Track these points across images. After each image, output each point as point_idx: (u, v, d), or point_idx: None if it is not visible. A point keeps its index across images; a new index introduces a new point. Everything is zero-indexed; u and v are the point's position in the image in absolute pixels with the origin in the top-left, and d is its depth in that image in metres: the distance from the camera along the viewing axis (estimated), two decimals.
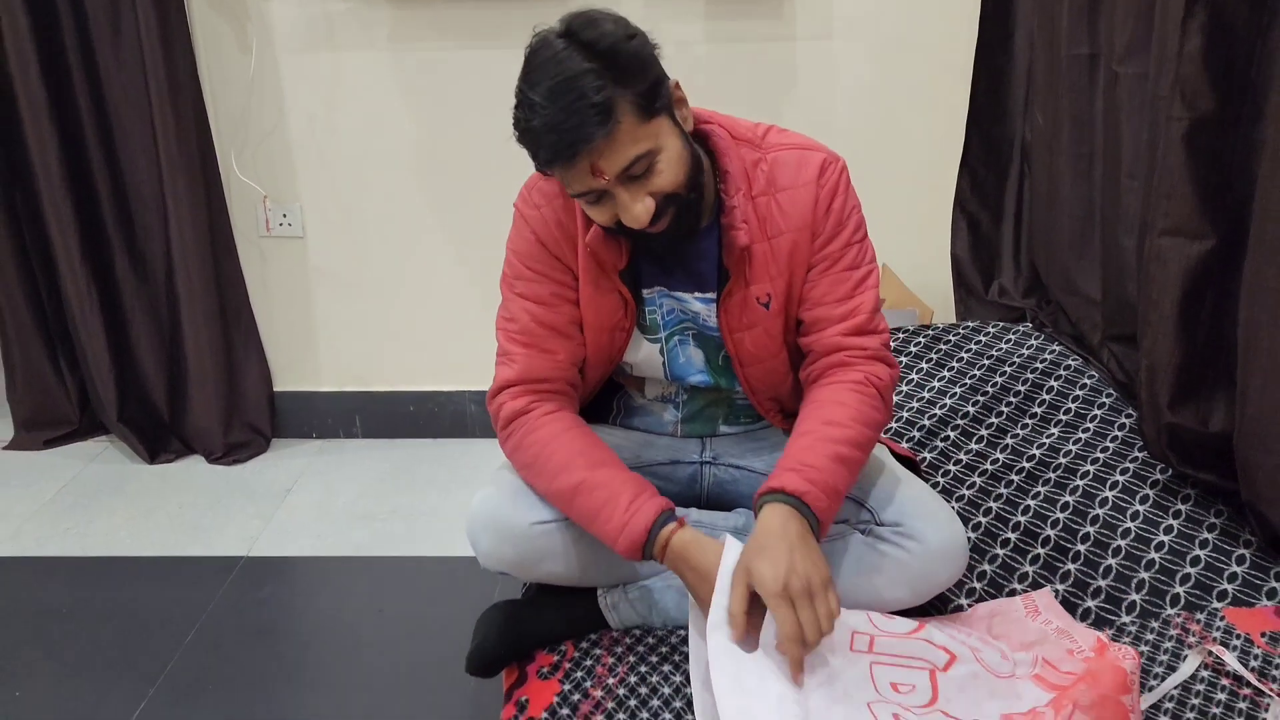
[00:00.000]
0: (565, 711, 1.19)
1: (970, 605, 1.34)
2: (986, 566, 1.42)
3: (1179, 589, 1.35)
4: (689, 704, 1.17)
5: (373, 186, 2.53)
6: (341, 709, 1.82)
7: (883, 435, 1.48)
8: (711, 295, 1.30)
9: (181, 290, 2.53)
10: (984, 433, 1.74)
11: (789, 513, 1.12)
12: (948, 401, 1.84)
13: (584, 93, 1.07)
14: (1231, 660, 1.19)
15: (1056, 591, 1.36)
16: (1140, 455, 1.62)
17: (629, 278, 1.28)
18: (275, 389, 2.74)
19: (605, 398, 1.47)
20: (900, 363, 1.99)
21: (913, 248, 2.42)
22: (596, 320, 1.29)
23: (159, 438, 2.69)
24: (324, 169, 2.52)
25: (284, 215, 2.56)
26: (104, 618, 2.07)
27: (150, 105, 2.36)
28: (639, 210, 1.13)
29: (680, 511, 1.27)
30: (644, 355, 1.35)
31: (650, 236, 1.19)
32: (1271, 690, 1.15)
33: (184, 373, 2.64)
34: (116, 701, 1.84)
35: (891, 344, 1.54)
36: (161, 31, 2.29)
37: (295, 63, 2.43)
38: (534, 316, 1.29)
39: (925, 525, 1.22)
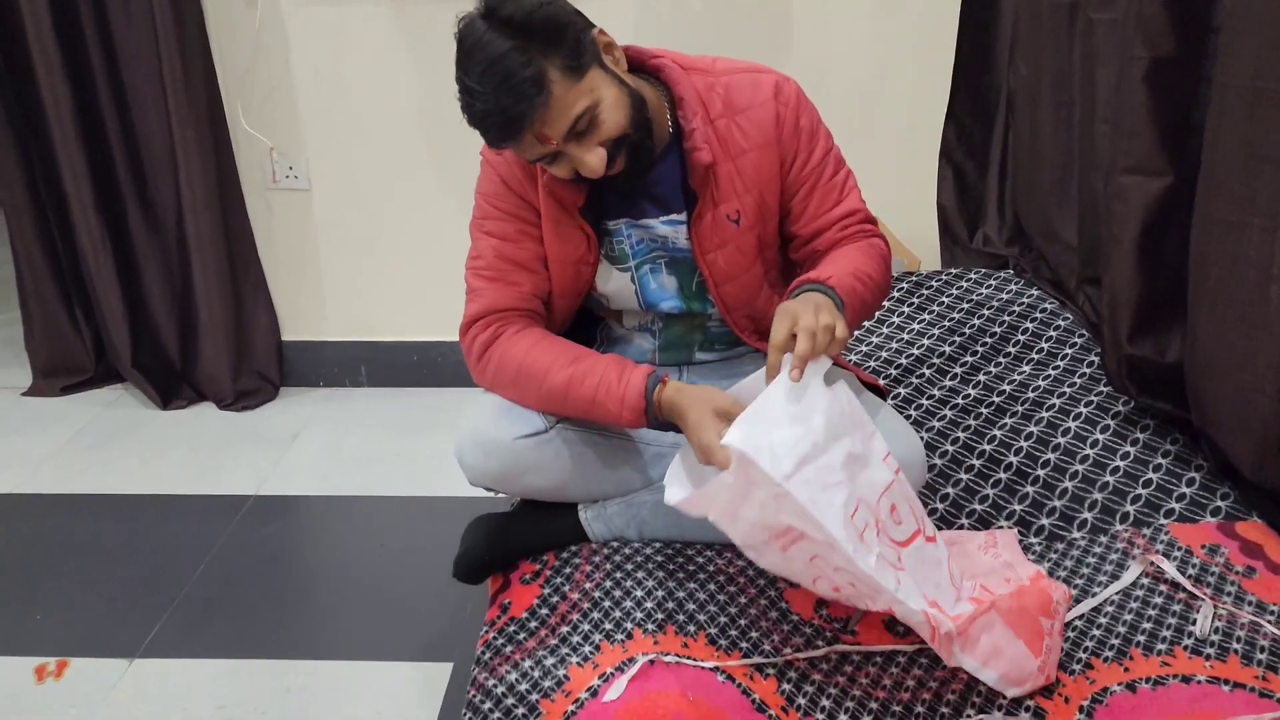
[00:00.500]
0: (544, 612, 1.27)
1: (943, 509, 1.41)
2: (950, 490, 1.50)
3: (1129, 508, 1.42)
4: (659, 605, 1.25)
5: (378, 140, 2.59)
6: (343, 634, 1.91)
7: (852, 364, 1.55)
8: (676, 217, 1.36)
9: (192, 241, 2.61)
10: (958, 370, 1.81)
11: (812, 291, 1.21)
12: (926, 342, 1.91)
13: (512, 70, 1.13)
14: (1169, 568, 1.26)
15: (1013, 513, 1.44)
16: (1105, 390, 1.68)
17: (590, 213, 1.34)
18: (283, 338, 2.82)
19: (589, 330, 1.54)
20: (883, 306, 2.06)
21: (900, 198, 2.47)
22: (560, 255, 1.36)
23: (171, 385, 2.78)
24: (329, 122, 2.58)
25: (290, 168, 2.63)
26: (119, 550, 2.17)
27: (160, 59, 2.42)
28: (593, 160, 1.20)
29: (658, 434, 1.34)
30: (615, 286, 1.42)
31: (613, 177, 1.25)
32: (1204, 594, 1.22)
33: (195, 322, 2.72)
34: (131, 625, 1.93)
35: None
36: None
37: (301, 16, 2.48)
38: (498, 252, 1.36)
39: (885, 441, 1.29)
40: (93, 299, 2.72)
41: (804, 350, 1.10)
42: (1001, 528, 1.41)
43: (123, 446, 2.57)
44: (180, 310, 2.73)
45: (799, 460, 1.06)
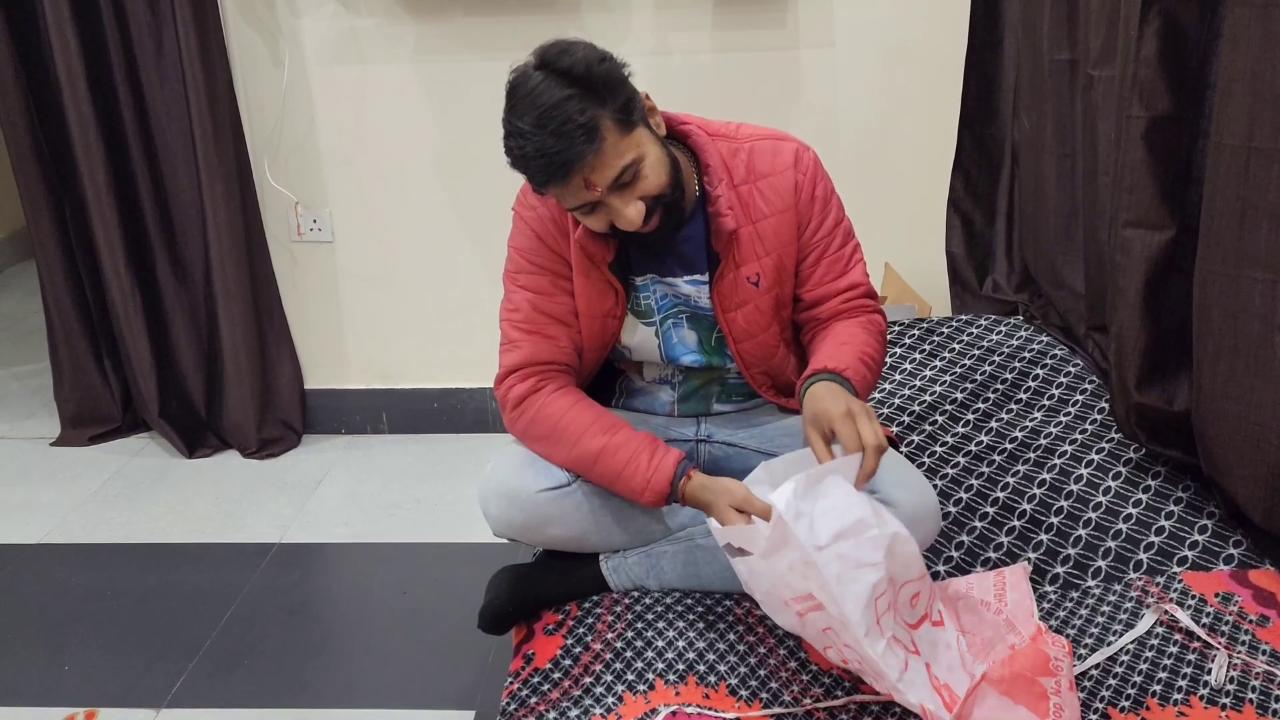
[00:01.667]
0: (568, 662, 1.30)
1: (947, 574, 1.44)
2: (965, 538, 1.52)
3: (1142, 555, 1.44)
4: (680, 655, 1.28)
5: (399, 193, 2.66)
6: (366, 682, 1.94)
7: None
8: (700, 277, 1.42)
9: (219, 292, 2.67)
10: (970, 417, 1.84)
11: (830, 381, 1.27)
12: (937, 389, 1.94)
13: (569, 116, 1.18)
14: (1183, 616, 1.28)
15: (1029, 560, 1.46)
16: (1116, 437, 1.71)
17: (619, 268, 1.40)
18: (306, 386, 2.87)
19: (608, 382, 1.58)
20: (895, 353, 2.10)
21: (910, 245, 2.52)
22: (589, 309, 1.41)
23: (197, 433, 2.82)
24: (352, 176, 2.65)
25: (314, 220, 2.69)
26: (146, 599, 2.20)
27: (190, 117, 2.50)
28: (632, 214, 1.25)
29: None
30: (640, 339, 1.47)
31: (643, 235, 1.31)
32: (1218, 642, 1.24)
33: (220, 371, 2.77)
34: (157, 675, 1.97)
35: (888, 334, 1.69)
36: (200, 48, 2.42)
37: (325, 75, 2.56)
38: (535, 305, 1.41)
39: (898, 491, 1.32)
40: (121, 350, 2.78)
41: (870, 469, 1.18)
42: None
43: (149, 495, 2.62)
44: (206, 360, 2.79)
45: (836, 534, 1.09)
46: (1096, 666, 1.23)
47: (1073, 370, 1.94)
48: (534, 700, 1.24)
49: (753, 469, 1.49)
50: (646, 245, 1.40)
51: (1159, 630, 1.28)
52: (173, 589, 2.23)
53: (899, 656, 1.10)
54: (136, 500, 2.60)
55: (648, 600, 1.39)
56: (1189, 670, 1.21)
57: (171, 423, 2.79)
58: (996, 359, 2.02)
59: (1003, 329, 2.14)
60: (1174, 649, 1.25)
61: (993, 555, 1.48)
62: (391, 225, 2.69)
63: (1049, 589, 1.40)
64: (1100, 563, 1.44)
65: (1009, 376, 1.95)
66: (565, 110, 1.18)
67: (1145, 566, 1.42)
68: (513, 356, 1.41)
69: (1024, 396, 1.89)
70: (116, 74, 2.50)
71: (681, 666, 1.26)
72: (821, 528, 1.09)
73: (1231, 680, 1.19)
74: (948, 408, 1.88)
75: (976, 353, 2.05)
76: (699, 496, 1.29)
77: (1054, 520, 1.54)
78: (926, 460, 1.73)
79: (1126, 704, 1.17)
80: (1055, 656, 1.13)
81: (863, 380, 1.32)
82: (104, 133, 2.53)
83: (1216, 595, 1.33)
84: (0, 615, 2.16)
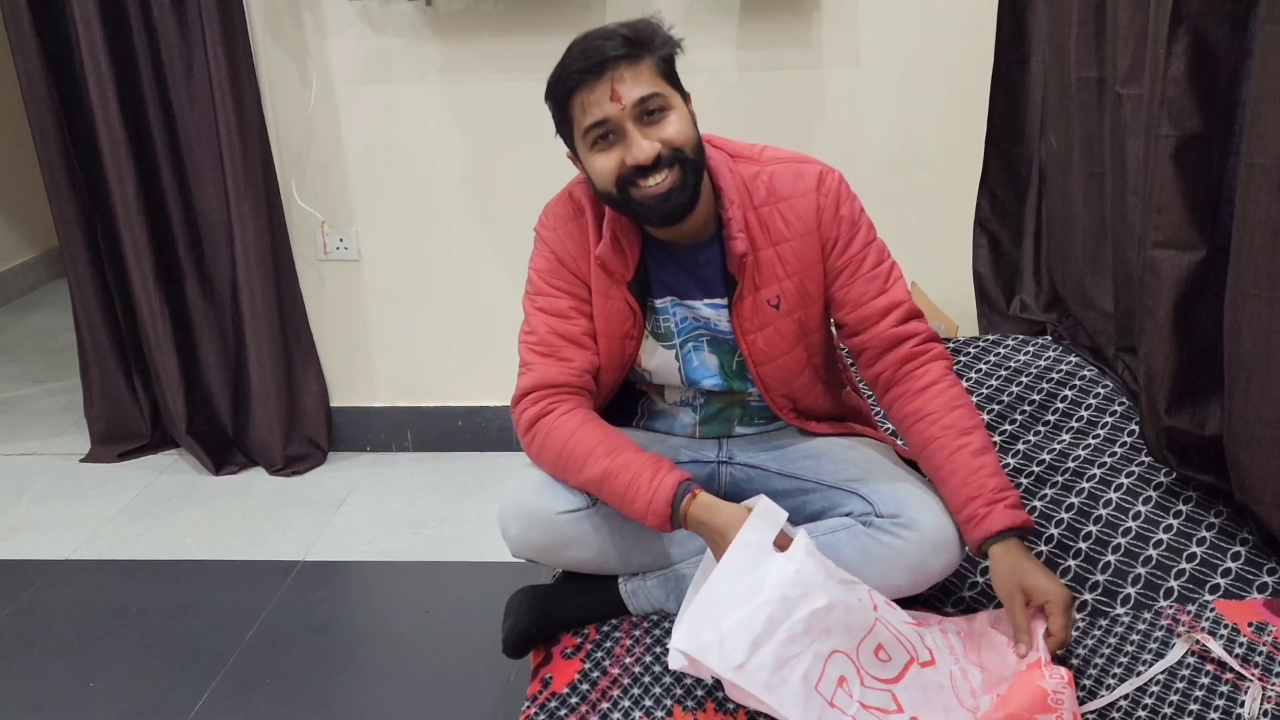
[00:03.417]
0: (585, 687, 1.29)
1: (971, 600, 1.41)
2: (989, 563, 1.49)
3: (1173, 583, 1.41)
4: (698, 680, 1.26)
5: (424, 212, 2.67)
6: (388, 701, 1.94)
7: (890, 439, 1.57)
8: (719, 301, 1.41)
9: (246, 311, 2.69)
10: (997, 439, 1.81)
11: (1017, 543, 1.26)
12: None
13: (616, 33, 1.26)
14: (1215, 646, 1.25)
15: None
16: (1146, 460, 1.68)
17: (638, 290, 1.39)
18: (332, 404, 2.89)
19: (630, 403, 1.58)
20: None
21: (937, 265, 2.49)
22: (607, 329, 1.40)
23: (224, 451, 2.85)
24: (378, 196, 2.67)
25: (340, 239, 2.71)
26: (171, 616, 2.22)
27: (219, 138, 2.53)
28: (647, 147, 1.26)
29: None
30: (659, 362, 1.46)
31: (653, 201, 1.28)
32: (1251, 674, 1.21)
33: (247, 389, 2.79)
34: (182, 692, 1.98)
35: None
36: (230, 69, 2.45)
37: (352, 96, 2.59)
38: (551, 328, 1.40)
39: (921, 515, 1.30)
40: (151, 368, 2.81)
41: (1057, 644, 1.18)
42: None
43: (176, 512, 2.64)
44: (233, 378, 2.81)
45: (752, 643, 1.09)
46: (1125, 697, 1.21)
47: (1102, 392, 1.92)
48: None
49: (775, 490, 1.49)
50: (663, 265, 1.39)
51: (1190, 660, 1.25)
52: (198, 606, 2.25)
53: None
54: (163, 517, 2.62)
55: (667, 624, 1.38)
56: (1221, 703, 1.18)
57: (199, 440, 2.81)
58: (1024, 379, 1.99)
59: (1030, 349, 2.11)
60: (1206, 680, 1.22)
61: None
62: (417, 244, 2.71)
63: (1078, 616, 1.37)
64: (1130, 590, 1.41)
65: (1037, 397, 1.93)
66: (617, 31, 1.27)
67: (1176, 594, 1.39)
68: (526, 379, 1.41)
69: (1052, 418, 1.86)
70: (147, 95, 2.54)
71: (700, 692, 1.24)
72: (733, 646, 1.09)
73: (1265, 713, 1.16)
74: None
75: (1004, 373, 2.03)
76: (707, 521, 1.26)
77: (1082, 545, 1.51)
78: None
79: None
80: (1054, 690, 1.08)
81: (1016, 500, 1.30)
82: (135, 153, 2.57)
83: (1250, 625, 1.30)
84: (28, 631, 2.19)
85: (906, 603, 1.31)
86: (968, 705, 1.14)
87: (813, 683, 1.08)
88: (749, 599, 1.12)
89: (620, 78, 1.25)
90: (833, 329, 1.48)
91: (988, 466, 1.30)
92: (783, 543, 1.21)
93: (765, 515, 1.21)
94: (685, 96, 1.33)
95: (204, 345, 2.77)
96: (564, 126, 1.33)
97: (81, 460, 2.91)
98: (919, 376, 1.38)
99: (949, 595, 1.43)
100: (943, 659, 1.19)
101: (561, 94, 1.29)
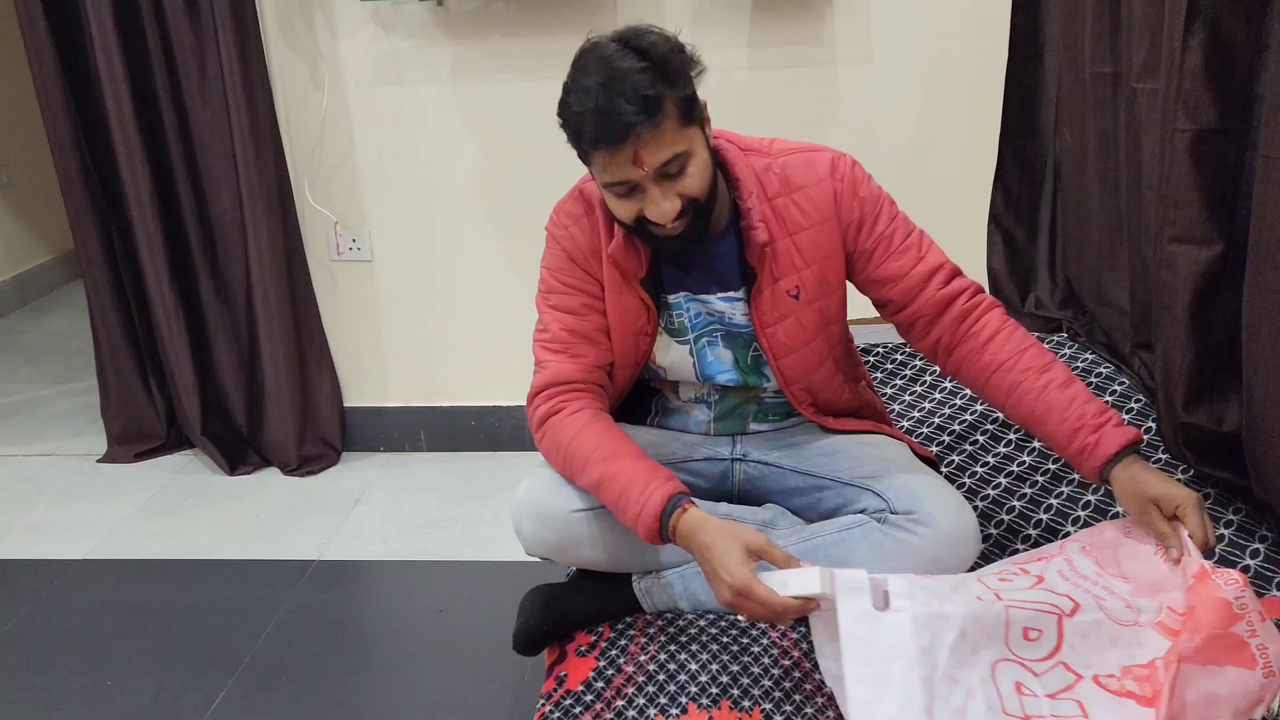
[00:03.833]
0: (600, 685, 1.29)
1: None
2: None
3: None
4: (713, 679, 1.26)
5: (437, 212, 2.68)
6: (402, 700, 1.94)
7: (906, 436, 1.56)
8: (734, 294, 1.40)
9: (260, 311, 2.71)
10: (1012, 437, 1.80)
11: (1133, 459, 1.25)
12: (978, 407, 1.90)
13: (637, 86, 1.17)
14: None
15: None
16: (1164, 456, 1.66)
17: (651, 285, 1.39)
18: (345, 404, 2.90)
19: (644, 401, 1.57)
20: (935, 371, 2.06)
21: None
22: (621, 325, 1.40)
23: (238, 451, 2.86)
24: (391, 196, 2.68)
25: (354, 240, 2.72)
26: (187, 615, 2.23)
27: (232, 140, 2.54)
28: (667, 206, 1.24)
29: (710, 505, 1.36)
30: (674, 358, 1.45)
31: (665, 239, 1.29)
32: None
33: (262, 390, 2.81)
34: (198, 691, 1.99)
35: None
36: (243, 71, 2.47)
37: (364, 97, 2.59)
38: (564, 325, 1.40)
39: (936, 511, 1.30)
40: (166, 369, 2.82)
41: (1200, 540, 1.17)
42: None
43: (192, 512, 2.65)
44: (248, 378, 2.82)
45: (925, 712, 1.04)
46: None
47: (1118, 389, 1.90)
48: None
49: (789, 488, 1.49)
50: (676, 261, 1.39)
51: None
52: (213, 605, 2.26)
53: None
54: (179, 517, 2.63)
55: (681, 622, 1.38)
56: None
57: (214, 440, 2.83)
58: None
59: (1046, 346, 2.09)
60: None
61: None
62: (430, 244, 2.71)
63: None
64: None
65: None
66: (635, 80, 1.18)
67: None
68: (540, 377, 1.41)
69: None
70: (161, 97, 2.56)
71: (715, 690, 1.24)
72: None
73: None
74: (989, 427, 1.84)
75: None
76: (694, 532, 1.20)
77: None
78: (967, 481, 1.69)
79: None
80: (1235, 597, 1.05)
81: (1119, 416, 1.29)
82: (149, 155, 2.59)
83: (1272, 622, 1.29)
84: (45, 630, 2.20)
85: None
86: (1127, 621, 1.11)
87: (999, 709, 1.05)
88: (890, 671, 1.07)
89: (643, 143, 1.19)
90: (874, 311, 1.47)
91: (1080, 395, 1.29)
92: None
93: (850, 588, 1.12)
94: (703, 118, 1.28)
95: (218, 346, 2.78)
96: (579, 156, 1.29)
97: (98, 461, 2.93)
98: (979, 331, 1.37)
99: None
100: (1083, 598, 1.15)
101: (579, 145, 1.25)
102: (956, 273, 1.41)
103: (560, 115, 1.24)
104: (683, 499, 1.26)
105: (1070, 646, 1.10)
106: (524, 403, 2.89)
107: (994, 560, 1.48)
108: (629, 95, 1.17)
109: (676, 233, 1.28)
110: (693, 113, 1.25)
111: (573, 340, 1.40)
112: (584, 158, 1.28)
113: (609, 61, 1.20)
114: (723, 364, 1.46)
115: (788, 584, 1.13)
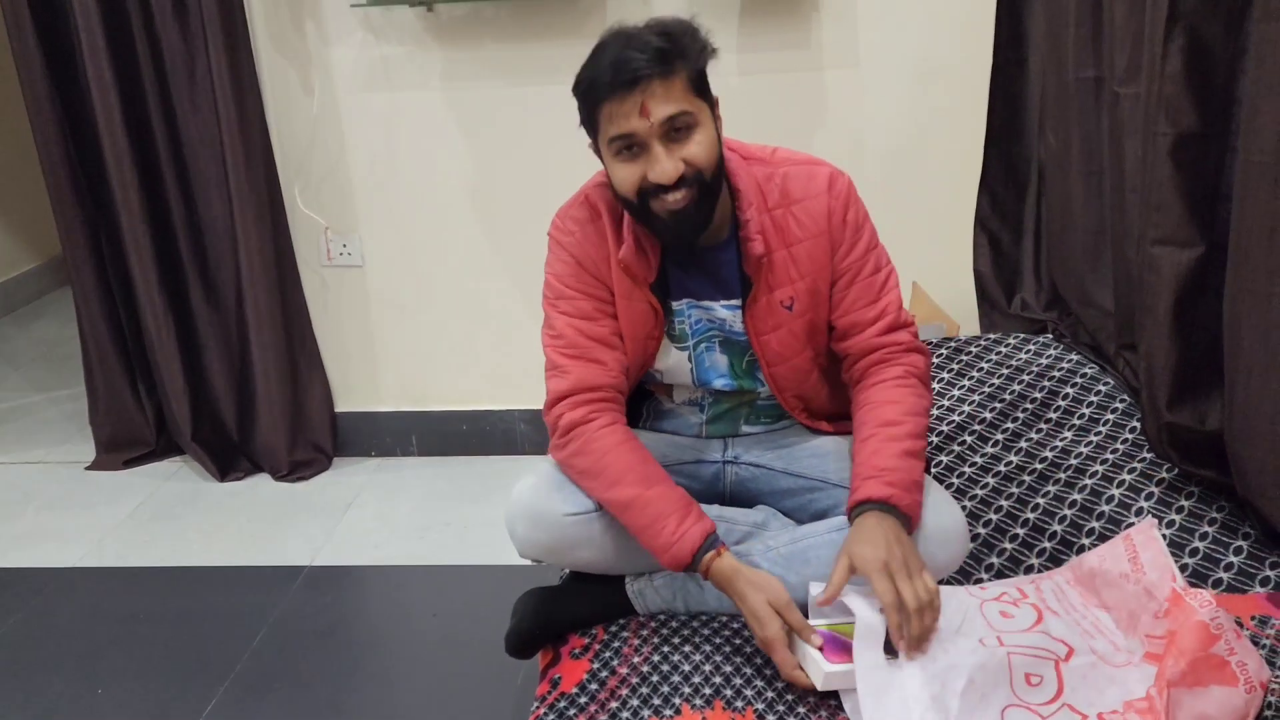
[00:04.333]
0: (594, 687, 1.30)
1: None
2: (995, 560, 1.51)
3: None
4: (706, 679, 1.27)
5: (428, 217, 2.68)
6: (397, 705, 1.95)
7: None
8: (736, 302, 1.42)
9: (250, 317, 2.70)
10: (999, 437, 1.82)
11: (880, 515, 1.25)
12: (966, 408, 1.92)
13: (651, 43, 1.24)
14: None
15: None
16: (1148, 456, 1.69)
17: (659, 290, 1.40)
18: (337, 410, 2.89)
19: (635, 404, 1.58)
20: None
21: (938, 265, 2.51)
22: (631, 330, 1.42)
23: (229, 457, 2.86)
24: (382, 201, 2.68)
25: (344, 245, 2.73)
26: (178, 622, 2.23)
27: (222, 145, 2.54)
28: (669, 167, 1.26)
29: (704, 508, 1.38)
30: (673, 362, 1.47)
31: (670, 219, 1.30)
32: None
33: (252, 395, 2.80)
34: (190, 698, 1.98)
35: None
36: (232, 76, 2.47)
37: (355, 103, 2.60)
38: (579, 330, 1.40)
39: (925, 512, 1.31)
40: (155, 374, 2.82)
41: (921, 633, 1.17)
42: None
43: (182, 519, 2.65)
44: (238, 384, 2.82)
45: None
46: None
47: (1103, 389, 1.92)
48: None
49: (780, 490, 1.50)
50: (682, 268, 1.40)
51: None
52: (205, 612, 2.25)
53: None
54: (169, 524, 2.63)
55: (674, 623, 1.39)
56: None
57: (204, 446, 2.82)
58: (1026, 378, 2.00)
59: (1031, 348, 2.12)
60: None
61: (1023, 578, 1.46)
62: (421, 249, 2.72)
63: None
64: None
65: (1038, 395, 1.94)
66: (650, 38, 1.25)
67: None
68: (562, 383, 1.40)
69: (1054, 416, 1.87)
70: (150, 102, 2.55)
71: (708, 691, 1.25)
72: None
73: (1269, 705, 1.16)
74: (976, 427, 1.86)
75: (1006, 371, 2.04)
76: (729, 580, 1.27)
77: (1085, 542, 1.52)
78: (955, 481, 1.71)
79: None
80: (1211, 618, 1.07)
81: (910, 488, 1.29)
82: (138, 160, 2.58)
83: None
84: (36, 638, 2.20)
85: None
86: (1120, 662, 1.14)
87: None
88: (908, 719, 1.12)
89: (652, 93, 1.24)
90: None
91: (885, 450, 1.31)
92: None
93: (866, 634, 1.19)
94: (713, 104, 1.33)
95: (208, 352, 2.78)
96: (589, 125, 1.34)
97: (87, 468, 2.92)
98: (876, 374, 1.41)
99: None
100: (1076, 641, 1.18)
101: (590, 100, 1.29)
102: (900, 325, 1.42)
103: (574, 89, 1.30)
104: (717, 540, 1.30)
105: (1071, 689, 1.14)
106: (517, 406, 2.90)
107: (983, 560, 1.50)
108: (642, 48, 1.24)
109: (680, 206, 1.29)
110: (704, 87, 1.29)
111: (590, 345, 1.40)
112: (593, 123, 1.31)
113: (628, 32, 1.27)
114: (719, 369, 1.47)
115: (807, 658, 1.22)
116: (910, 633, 1.17)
